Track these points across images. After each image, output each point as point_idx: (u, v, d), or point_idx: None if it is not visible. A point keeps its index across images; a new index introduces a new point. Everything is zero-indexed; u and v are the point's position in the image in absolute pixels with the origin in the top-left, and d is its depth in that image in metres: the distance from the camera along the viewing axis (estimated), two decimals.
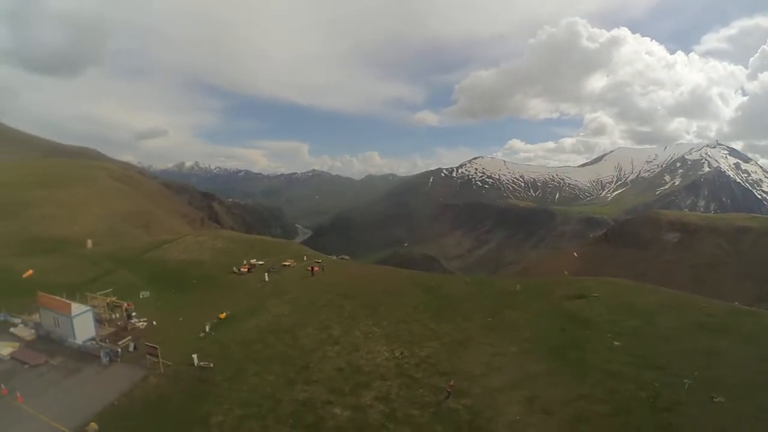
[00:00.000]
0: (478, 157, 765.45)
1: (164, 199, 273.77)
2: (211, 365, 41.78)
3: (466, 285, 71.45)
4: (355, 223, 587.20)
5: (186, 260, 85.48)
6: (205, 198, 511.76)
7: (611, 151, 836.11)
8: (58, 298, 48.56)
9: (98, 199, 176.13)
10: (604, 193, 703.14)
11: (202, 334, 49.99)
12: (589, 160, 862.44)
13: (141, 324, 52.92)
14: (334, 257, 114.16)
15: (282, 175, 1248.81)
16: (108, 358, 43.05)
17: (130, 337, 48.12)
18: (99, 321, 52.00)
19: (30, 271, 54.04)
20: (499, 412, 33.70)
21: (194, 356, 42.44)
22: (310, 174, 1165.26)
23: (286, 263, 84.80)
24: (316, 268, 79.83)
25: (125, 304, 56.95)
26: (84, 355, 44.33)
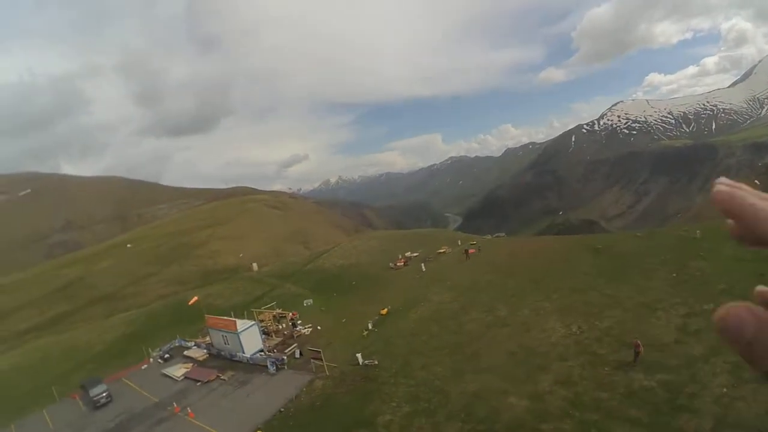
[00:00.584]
0: (618, 102, 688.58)
1: (317, 215, 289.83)
2: (376, 362, 39.55)
3: (638, 240, 60.56)
4: (504, 200, 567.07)
5: (344, 265, 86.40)
6: (354, 207, 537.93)
7: (760, 61, 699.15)
8: (224, 317, 50.51)
9: (258, 226, 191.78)
10: (764, 111, 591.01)
11: (365, 333, 48.48)
12: (738, 77, 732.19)
13: (306, 330, 53.59)
14: (489, 237, 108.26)
15: (421, 169, 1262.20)
16: (275, 367, 43.51)
17: (296, 345, 48.85)
18: (266, 333, 54.14)
19: (195, 298, 57.51)
20: (703, 386, 26.16)
21: (358, 355, 40.67)
22: (449, 162, 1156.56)
23: (441, 250, 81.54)
24: (471, 251, 75.01)
25: (290, 314, 58.36)
26: (253, 368, 45.56)
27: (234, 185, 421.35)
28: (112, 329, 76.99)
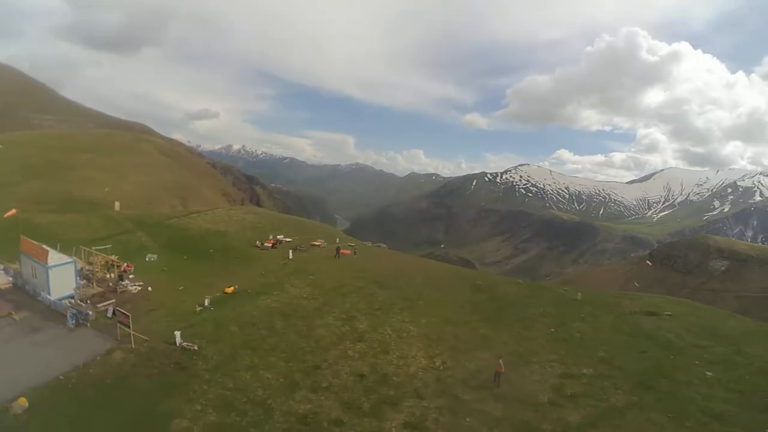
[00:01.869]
0: (525, 164, 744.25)
1: (207, 177, 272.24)
2: (196, 347, 33.15)
3: (520, 286, 61.04)
4: (395, 219, 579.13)
5: (210, 230, 78.83)
6: (248, 180, 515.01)
7: (661, 170, 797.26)
8: (38, 244, 41.47)
9: (140, 168, 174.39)
10: (650, 212, 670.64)
11: (198, 308, 41.95)
12: (637, 177, 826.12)
13: (134, 288, 45.61)
14: (369, 244, 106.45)
15: (326, 165, 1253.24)
16: (74, 321, 35.58)
17: (113, 301, 40.26)
18: (87, 278, 45.61)
19: (13, 210, 47.56)
20: None
21: (177, 333, 33.53)
22: (354, 167, 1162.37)
23: (316, 243, 77.43)
24: (345, 251, 71.79)
25: (125, 265, 50.39)
26: (55, 314, 37.32)
27: (134, 119, 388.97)
28: None
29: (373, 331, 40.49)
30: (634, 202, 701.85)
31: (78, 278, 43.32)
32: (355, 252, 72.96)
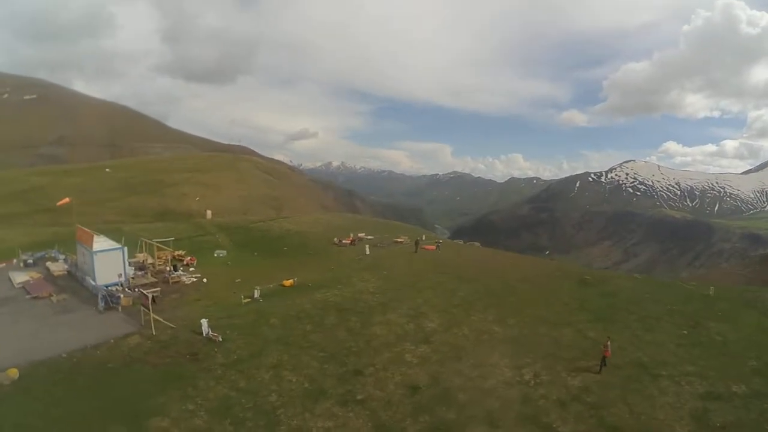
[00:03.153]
0: (630, 161, 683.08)
1: (306, 191, 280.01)
2: (220, 339, 28.29)
3: (637, 282, 50.10)
4: (496, 226, 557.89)
5: (291, 230, 76.46)
6: (348, 195, 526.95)
7: None
8: (89, 231, 39.76)
9: (238, 183, 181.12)
10: None
11: (246, 300, 37.50)
12: (753, 167, 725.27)
13: (189, 279, 42.80)
14: (461, 242, 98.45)
15: (424, 176, 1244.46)
16: (104, 304, 33.23)
17: (158, 289, 37.23)
18: (142, 268, 44.10)
19: (66, 199, 47.21)
20: None
21: (203, 321, 29.16)
22: (452, 175, 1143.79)
23: (399, 240, 71.04)
24: (430, 246, 65.03)
25: (188, 258, 48.28)
26: (94, 299, 35.00)
27: (236, 143, 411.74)
28: (31, 234, 68.07)
29: (444, 331, 32.41)
30: (752, 195, 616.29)
31: (129, 266, 41.87)
32: (438, 247, 65.90)
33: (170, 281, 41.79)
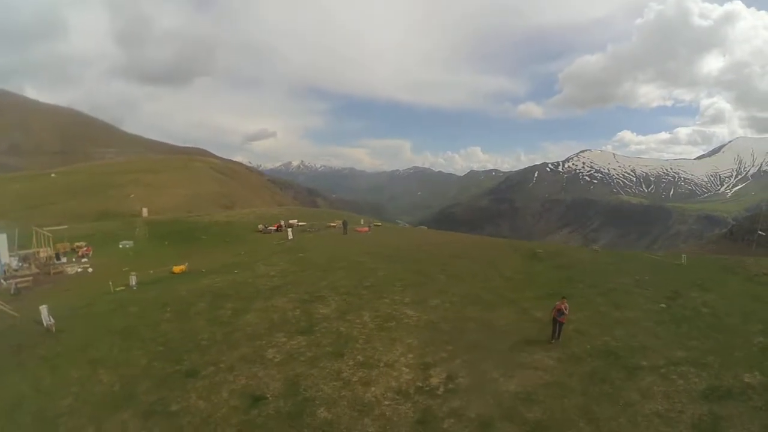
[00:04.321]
0: (586, 150, 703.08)
1: (264, 191, 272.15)
2: (54, 329, 24.52)
3: (597, 254, 46.83)
4: (458, 218, 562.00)
5: (220, 221, 72.73)
6: (309, 194, 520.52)
7: (730, 141, 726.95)
8: None
9: (186, 182, 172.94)
10: (722, 188, 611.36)
11: (118, 289, 33.81)
12: (706, 152, 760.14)
13: (74, 270, 39.25)
14: (405, 225, 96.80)
15: (384, 172, 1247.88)
16: None
17: (29, 279, 34.24)
18: (25, 258, 41.53)
19: None
20: None
21: (43, 308, 25.32)
22: (413, 171, 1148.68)
23: (332, 224, 68.25)
24: (363, 228, 62.91)
25: (84, 249, 44.87)
26: None
27: (193, 146, 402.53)
28: None
29: (338, 318, 26.08)
30: (705, 179, 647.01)
31: (12, 257, 39.57)
32: (370, 227, 63.97)
33: (52, 272, 38.44)
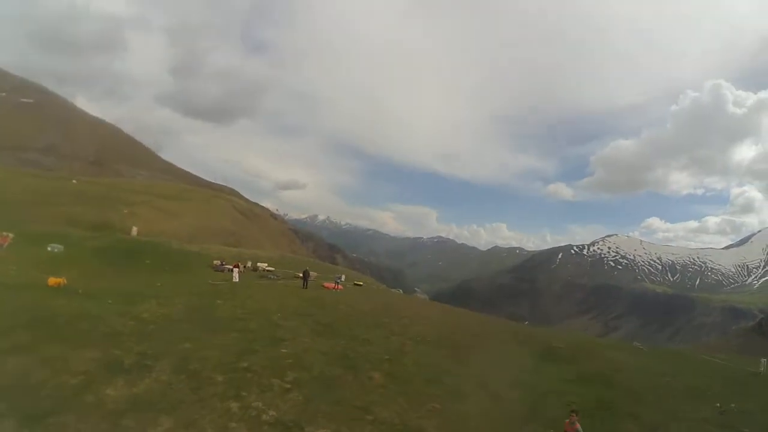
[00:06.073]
0: (612, 235, 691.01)
1: (281, 237, 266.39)
2: None
3: (639, 356, 37.24)
4: (476, 293, 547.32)
5: (187, 251, 66.05)
6: (330, 249, 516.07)
7: (759, 231, 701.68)
8: None
9: (201, 215, 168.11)
10: (750, 279, 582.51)
11: None
12: (734, 242, 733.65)
13: None
14: (399, 291, 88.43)
15: (408, 238, 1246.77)
16: None
17: None
18: None
19: None
20: None
21: None
22: (436, 240, 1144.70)
23: (299, 275, 56.37)
24: (333, 285, 54.40)
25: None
26: None
27: (224, 184, 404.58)
28: None
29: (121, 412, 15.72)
30: (732, 269, 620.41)
31: None
32: (343, 284, 55.59)
33: None
